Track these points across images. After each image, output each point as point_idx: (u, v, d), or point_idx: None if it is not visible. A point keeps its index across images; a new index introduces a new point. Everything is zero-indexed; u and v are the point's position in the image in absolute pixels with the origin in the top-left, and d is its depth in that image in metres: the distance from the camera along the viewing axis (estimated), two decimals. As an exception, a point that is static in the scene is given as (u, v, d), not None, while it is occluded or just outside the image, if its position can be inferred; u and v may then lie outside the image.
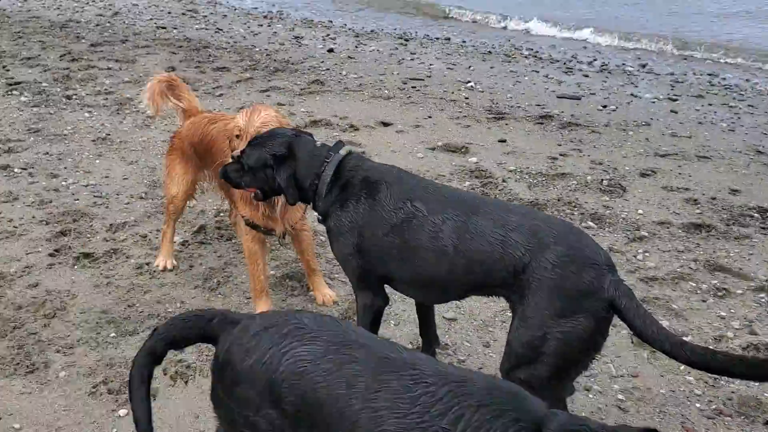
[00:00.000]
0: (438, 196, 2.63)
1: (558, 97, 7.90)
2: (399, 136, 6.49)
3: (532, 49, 10.51)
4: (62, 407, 2.99)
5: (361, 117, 6.93)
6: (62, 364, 3.24)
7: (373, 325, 2.88)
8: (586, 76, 8.95)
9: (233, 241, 4.39)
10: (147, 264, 4.10)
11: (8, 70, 7.91)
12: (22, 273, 3.97)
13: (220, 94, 7.46)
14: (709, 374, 3.01)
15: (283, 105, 7.16)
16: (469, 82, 8.43)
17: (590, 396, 3.10)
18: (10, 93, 7.16)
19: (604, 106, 7.56)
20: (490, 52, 10.26)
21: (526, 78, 8.75)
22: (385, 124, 6.79)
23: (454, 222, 2.51)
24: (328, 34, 10.98)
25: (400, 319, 3.65)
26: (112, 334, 3.45)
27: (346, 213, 2.73)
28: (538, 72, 9.08)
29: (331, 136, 6.35)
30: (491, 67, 9.26)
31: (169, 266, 4.05)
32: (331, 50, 9.85)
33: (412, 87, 8.17)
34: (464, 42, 10.98)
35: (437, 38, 11.20)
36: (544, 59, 9.88)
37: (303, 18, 12.33)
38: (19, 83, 7.47)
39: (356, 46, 10.29)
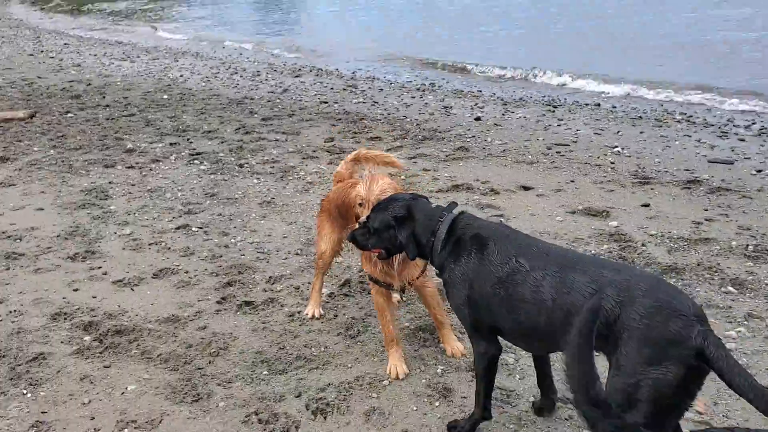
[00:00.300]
0: (540, 252, 2.88)
1: (709, 162, 7.73)
2: (539, 200, 6.67)
3: (685, 114, 10.30)
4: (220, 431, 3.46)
5: (502, 181, 7.20)
6: (222, 395, 3.73)
7: (488, 371, 3.13)
8: (742, 140, 8.66)
9: (374, 295, 4.79)
10: (298, 312, 4.59)
11: (191, 142, 9.02)
12: (193, 317, 4.60)
13: (372, 162, 8.04)
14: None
15: (428, 170, 7.61)
16: (616, 146, 8.46)
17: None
18: (192, 162, 8.17)
19: (759, 171, 7.30)
20: (640, 117, 10.19)
21: (677, 143, 8.62)
22: (526, 188, 7.01)
23: (553, 277, 2.74)
24: (477, 103, 11.42)
25: (525, 373, 3.82)
26: (265, 372, 3.93)
27: (458, 267, 3.05)
28: (690, 136, 8.91)
29: (471, 200, 6.68)
30: (641, 132, 9.21)
31: (316, 315, 4.52)
32: (478, 118, 10.25)
33: (557, 152, 8.33)
34: (614, 107, 10.98)
35: (587, 104, 11.28)
36: (698, 123, 9.66)
37: (453, 89, 12.90)
38: (200, 153, 8.50)
39: (503, 114, 10.62)
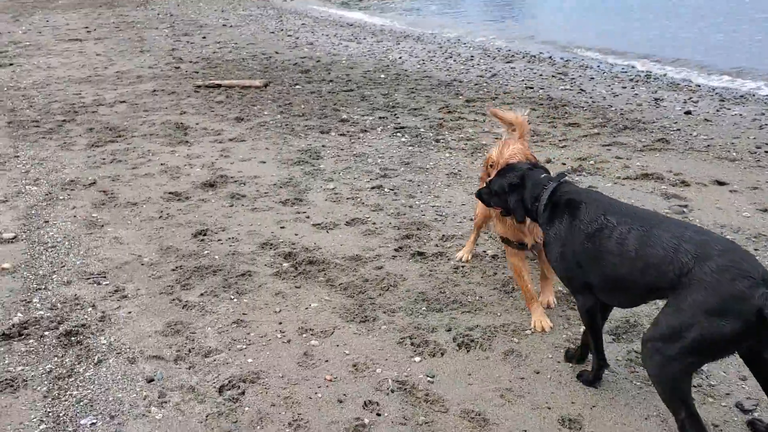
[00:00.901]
0: (627, 212, 3.19)
1: None
2: (731, 195, 6.49)
3: None
4: (378, 348, 4.07)
5: (697, 175, 7.06)
6: (384, 320, 4.35)
7: (592, 322, 3.48)
8: None
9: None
10: (462, 267, 5.07)
11: (397, 117, 9.78)
12: (373, 259, 5.27)
13: (564, 146, 8.23)
14: None
15: (621, 158, 7.64)
16: (837, 151, 7.83)
17: None
18: (395, 134, 8.91)
19: None
20: None
21: None
22: (720, 183, 6.83)
23: (638, 231, 3.04)
24: (691, 98, 10.98)
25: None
26: (424, 309, 4.48)
27: (553, 227, 3.45)
28: None
29: (658, 189, 6.67)
30: None
31: (464, 258, 5.16)
32: (688, 112, 9.92)
33: (765, 152, 7.90)
34: None
35: (817, 105, 10.39)
36: None
37: (670, 82, 12.45)
38: (403, 127, 9.23)
39: (718, 110, 10.15)
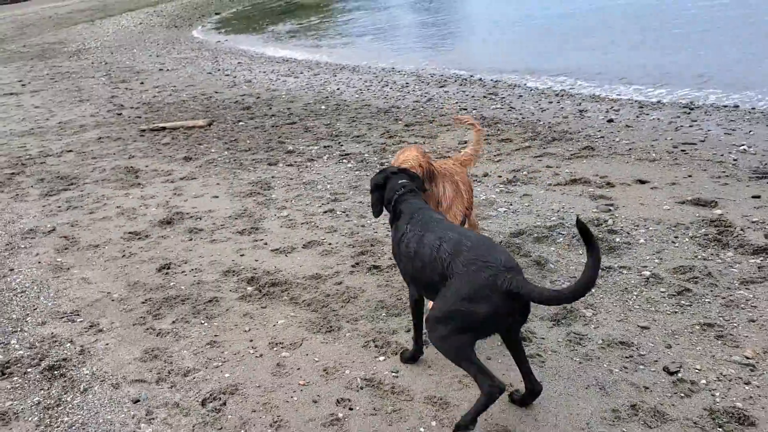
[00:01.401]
0: (420, 219, 3.86)
1: (839, 158, 7.74)
2: (652, 192, 7.13)
3: (831, 113, 10.09)
4: (345, 353, 4.46)
5: (620, 176, 7.70)
6: (349, 329, 4.74)
7: (417, 311, 4.11)
8: None
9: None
10: (415, 274, 5.52)
11: (342, 145, 10.24)
12: (333, 275, 5.66)
13: (499, 160, 8.80)
14: None
15: (551, 167, 8.25)
16: (743, 145, 8.61)
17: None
18: (341, 161, 9.36)
19: None
20: (778, 117, 10.13)
21: (810, 140, 8.61)
22: (642, 182, 7.46)
23: (416, 236, 3.74)
24: (612, 107, 11.77)
25: (599, 324, 4.47)
26: (384, 314, 4.90)
27: (392, 229, 4.12)
28: (825, 135, 8.84)
29: (586, 192, 7.26)
30: (774, 132, 9.23)
31: None
32: (610, 120, 10.65)
33: (682, 151, 8.63)
34: (753, 108, 10.93)
35: (725, 106, 11.29)
36: (839, 122, 9.48)
37: (591, 94, 13.27)
38: (348, 154, 9.68)
39: (637, 116, 10.92)
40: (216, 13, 42.89)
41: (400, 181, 4.26)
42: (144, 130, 12.12)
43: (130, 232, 7.10)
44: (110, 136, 11.93)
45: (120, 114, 14.05)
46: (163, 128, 12.14)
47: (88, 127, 12.90)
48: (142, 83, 18.05)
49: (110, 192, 8.61)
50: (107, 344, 4.86)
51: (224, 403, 4.07)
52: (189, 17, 41.52)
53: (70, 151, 11.04)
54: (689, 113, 10.96)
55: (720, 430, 3.55)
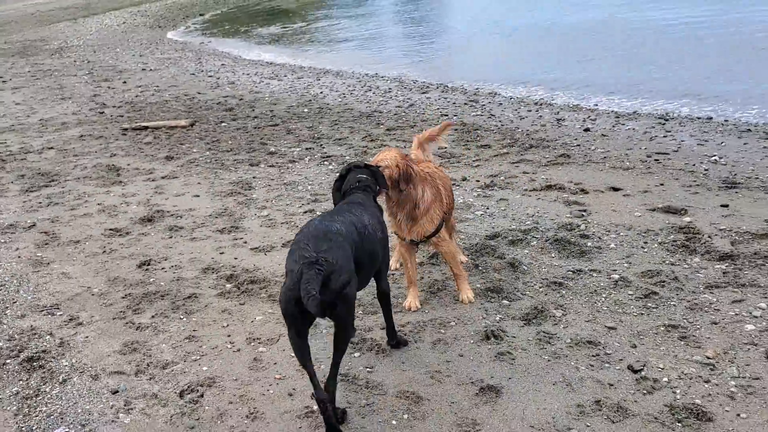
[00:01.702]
0: (336, 210, 4.04)
1: (805, 170, 7.98)
2: (624, 199, 7.31)
3: (800, 126, 10.37)
4: (321, 348, 4.59)
5: (594, 183, 7.89)
6: (326, 326, 4.85)
7: None
8: None
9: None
10: (392, 274, 5.63)
11: (323, 147, 10.35)
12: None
13: (478, 165, 8.97)
14: None
15: (528, 173, 8.42)
16: (715, 156, 8.85)
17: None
18: (322, 163, 9.47)
19: None
20: (749, 129, 10.39)
21: (779, 152, 8.86)
22: (615, 189, 7.65)
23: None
24: (590, 116, 12.00)
25: (568, 324, 4.62)
26: (360, 312, 5.02)
27: None
28: (794, 147, 9.10)
29: (561, 197, 7.43)
30: (744, 144, 9.47)
31: (393, 267, 5.79)
32: (587, 129, 10.87)
33: (655, 160, 8.85)
34: (726, 120, 11.21)
35: (699, 117, 11.55)
36: (807, 135, 9.76)
37: (569, 104, 13.51)
38: (330, 156, 9.80)
39: (613, 126, 11.15)
40: (200, 14, 42.87)
41: (358, 175, 4.38)
42: (126, 129, 12.15)
43: (110, 229, 7.16)
44: (92, 134, 11.95)
45: (102, 112, 14.06)
46: (146, 127, 12.18)
47: (69, 125, 12.90)
48: (124, 82, 18.05)
49: (91, 189, 8.65)
50: (87, 337, 4.92)
51: (202, 395, 4.16)
52: (173, 18, 41.46)
53: (51, 148, 11.05)
54: (664, 124, 11.21)
55: (679, 425, 3.70)
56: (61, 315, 5.29)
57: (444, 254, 5.15)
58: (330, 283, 3.35)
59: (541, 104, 13.54)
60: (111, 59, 23.36)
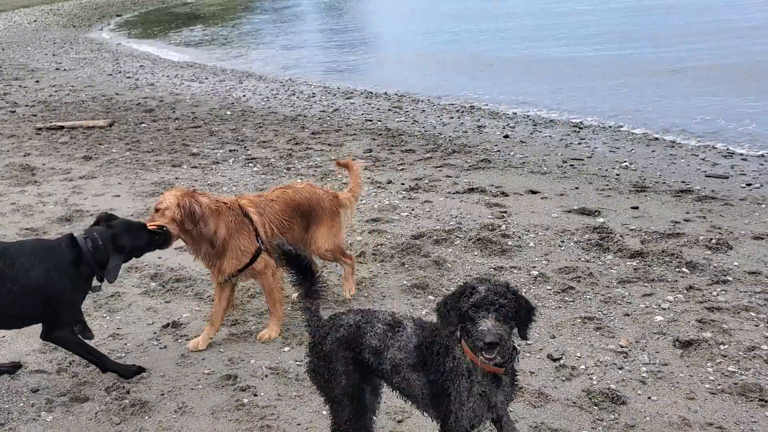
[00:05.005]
0: None
1: (706, 176, 8.51)
2: (542, 201, 7.62)
3: (701, 138, 10.99)
4: (250, 344, 4.58)
5: (514, 186, 8.17)
6: (254, 322, 4.85)
7: None
8: (744, 159, 9.38)
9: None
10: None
11: (248, 150, 10.30)
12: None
13: (402, 169, 9.13)
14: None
15: (450, 177, 8.64)
16: (626, 162, 9.32)
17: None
18: (247, 165, 9.42)
19: (749, 184, 8.04)
20: (656, 138, 10.99)
21: (683, 160, 9.40)
22: (533, 192, 7.96)
23: None
24: (509, 123, 12.39)
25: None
26: (288, 308, 5.03)
27: None
28: (697, 156, 9.67)
29: (482, 200, 7.67)
30: (653, 151, 10.01)
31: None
32: (506, 136, 11.23)
33: (570, 165, 9.24)
34: (634, 129, 11.80)
35: (610, 126, 12.12)
36: (708, 145, 10.36)
37: (490, 111, 13.91)
38: (254, 158, 9.76)
39: (531, 133, 11.56)
40: (117, 15, 41.67)
41: (94, 225, 4.38)
42: (40, 129, 11.73)
43: (27, 228, 6.91)
44: (3, 133, 11.48)
45: (14, 112, 13.51)
46: (61, 127, 11.78)
47: (-23, 124, 12.34)
48: (37, 81, 17.38)
49: (4, 189, 8.32)
50: (3, 336, 4.75)
51: (128, 392, 4.09)
52: (88, 18, 40.18)
53: (-41, 146, 10.55)
54: (579, 132, 11.71)
55: (596, 408, 3.92)
56: (-26, 315, 5.08)
57: (264, 288, 4.79)
58: None
59: (462, 111, 13.87)
60: (22, 58, 22.45)
